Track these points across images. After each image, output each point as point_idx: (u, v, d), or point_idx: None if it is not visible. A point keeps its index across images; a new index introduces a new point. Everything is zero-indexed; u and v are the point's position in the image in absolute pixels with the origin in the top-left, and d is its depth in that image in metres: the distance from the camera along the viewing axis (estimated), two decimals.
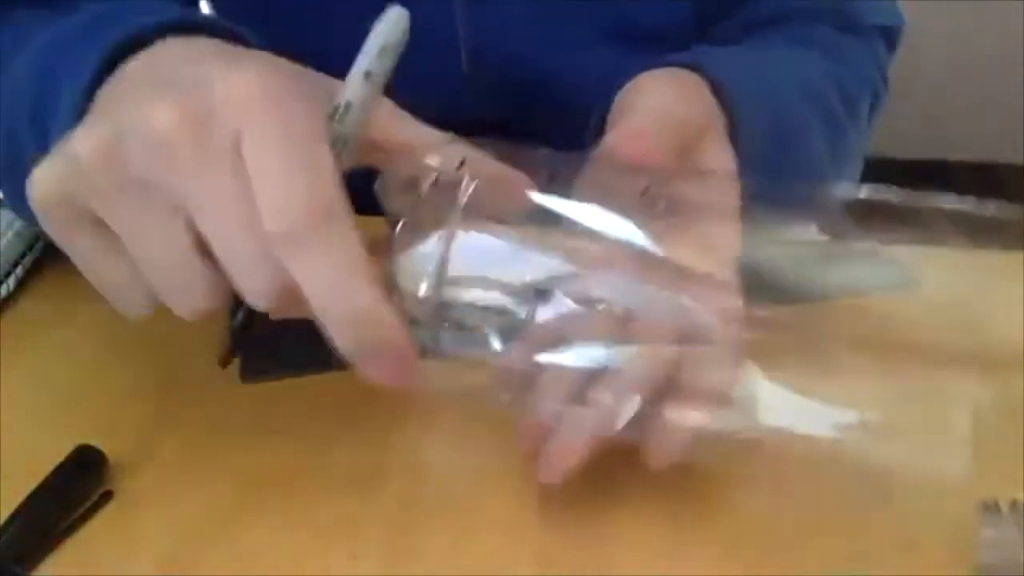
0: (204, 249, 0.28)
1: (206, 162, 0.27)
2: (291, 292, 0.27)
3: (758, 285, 0.34)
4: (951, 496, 0.33)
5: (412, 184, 0.32)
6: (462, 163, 0.32)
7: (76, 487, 0.34)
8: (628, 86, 0.41)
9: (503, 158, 0.33)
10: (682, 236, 0.33)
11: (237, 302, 0.30)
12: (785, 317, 0.32)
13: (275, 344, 0.37)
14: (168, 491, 0.35)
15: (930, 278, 0.39)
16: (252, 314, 0.31)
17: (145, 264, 0.29)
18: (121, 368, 0.42)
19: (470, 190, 0.32)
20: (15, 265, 0.46)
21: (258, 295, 0.28)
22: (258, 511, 0.34)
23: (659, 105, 0.38)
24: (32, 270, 0.47)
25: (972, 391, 0.32)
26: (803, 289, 0.34)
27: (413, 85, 0.55)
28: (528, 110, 0.56)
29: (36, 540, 0.32)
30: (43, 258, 0.47)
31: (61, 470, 0.34)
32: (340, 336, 0.27)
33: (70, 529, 0.33)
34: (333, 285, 0.27)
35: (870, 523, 0.33)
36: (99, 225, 0.29)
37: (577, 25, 0.54)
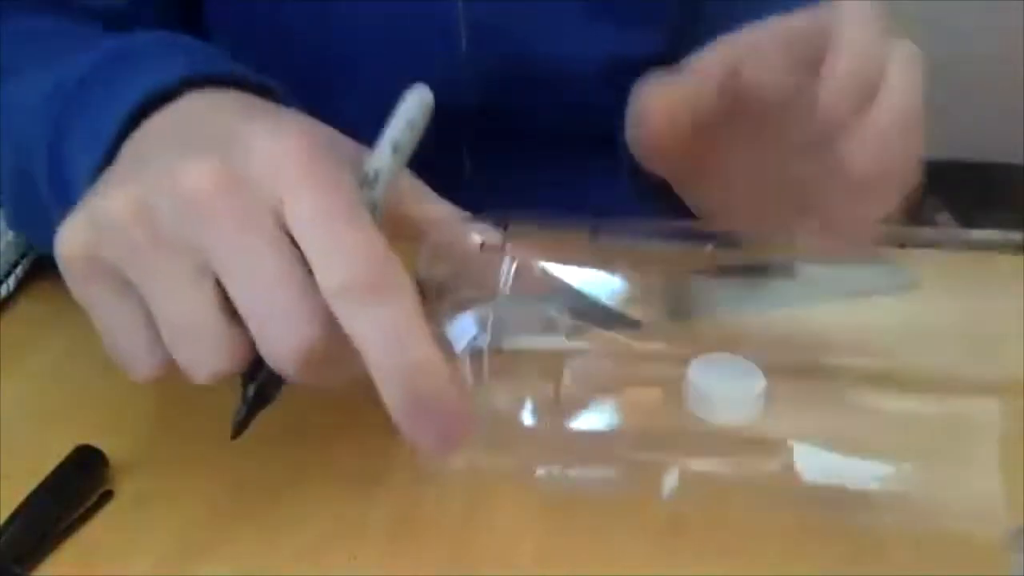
0: (229, 310, 0.28)
1: (244, 225, 0.27)
2: (319, 355, 0.27)
3: (756, 287, 0.34)
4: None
5: (441, 254, 0.33)
6: (503, 245, 0.32)
7: (76, 487, 0.34)
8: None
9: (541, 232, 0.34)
10: None
11: (250, 373, 0.30)
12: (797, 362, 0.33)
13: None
14: (168, 491, 0.35)
15: (930, 280, 0.39)
16: (266, 385, 0.30)
17: (167, 324, 0.29)
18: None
19: (511, 271, 0.32)
20: (15, 265, 0.46)
21: (287, 358, 0.27)
22: (258, 511, 0.34)
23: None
24: (32, 270, 0.47)
25: (994, 416, 0.31)
26: (804, 291, 0.34)
27: (412, 66, 0.55)
28: (526, 92, 0.56)
29: (36, 540, 0.32)
30: (43, 258, 0.47)
31: (61, 470, 0.34)
32: (393, 390, 0.27)
33: (70, 529, 0.33)
34: (392, 337, 0.26)
35: (870, 523, 0.33)
36: (122, 282, 0.29)
37: (578, 3, 0.54)
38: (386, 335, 0.26)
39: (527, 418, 0.32)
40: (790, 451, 0.32)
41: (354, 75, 0.55)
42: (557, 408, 0.33)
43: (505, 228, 0.33)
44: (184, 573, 0.32)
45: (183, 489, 0.35)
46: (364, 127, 0.33)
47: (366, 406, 0.39)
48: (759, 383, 0.32)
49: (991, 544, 0.32)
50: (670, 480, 0.32)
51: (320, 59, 0.55)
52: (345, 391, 0.39)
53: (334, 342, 0.27)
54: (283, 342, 0.27)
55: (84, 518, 0.33)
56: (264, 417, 0.38)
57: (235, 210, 0.27)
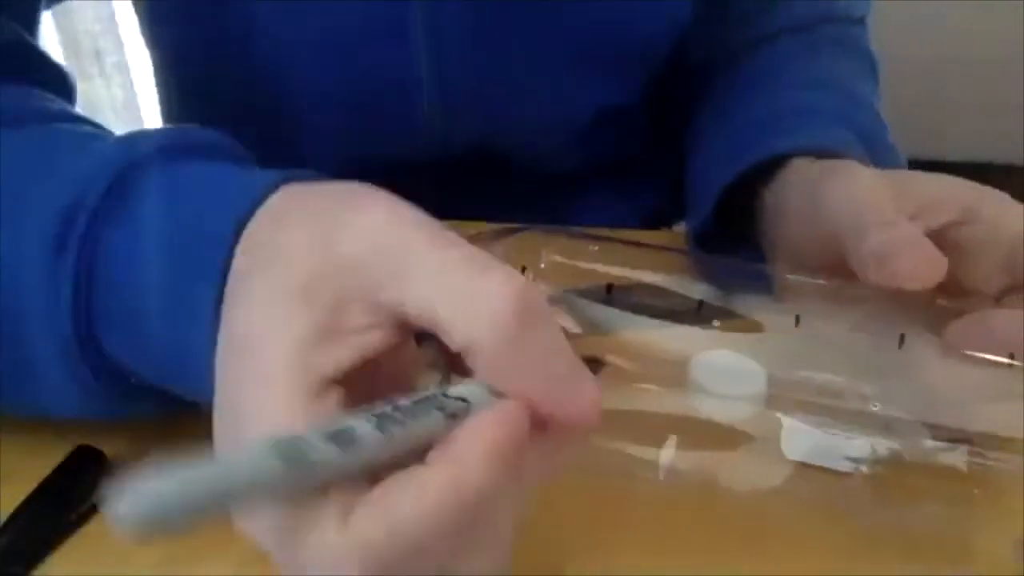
0: None
1: None
2: None
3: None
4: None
5: None
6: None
7: (76, 487, 0.34)
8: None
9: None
10: None
11: None
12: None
13: None
14: None
15: None
16: None
17: None
18: None
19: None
20: None
21: None
22: None
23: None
24: None
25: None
26: None
27: (371, 129, 0.53)
28: (490, 145, 0.55)
29: (36, 540, 0.32)
30: None
31: (61, 470, 0.34)
32: None
33: (70, 529, 0.33)
34: None
35: (871, 523, 0.33)
36: None
37: (546, 54, 0.51)
38: None
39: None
40: (779, 427, 0.32)
41: (313, 127, 0.53)
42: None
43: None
44: (184, 573, 0.32)
45: None
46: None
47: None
48: (760, 381, 0.32)
49: (989, 545, 0.32)
50: (666, 457, 0.33)
51: (278, 109, 0.53)
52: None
53: None
54: None
55: (84, 518, 0.33)
56: None
57: None
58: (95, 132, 0.35)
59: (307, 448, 0.20)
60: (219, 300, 0.26)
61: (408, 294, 0.23)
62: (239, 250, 0.27)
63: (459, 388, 0.23)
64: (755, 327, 0.34)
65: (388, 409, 0.22)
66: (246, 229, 0.27)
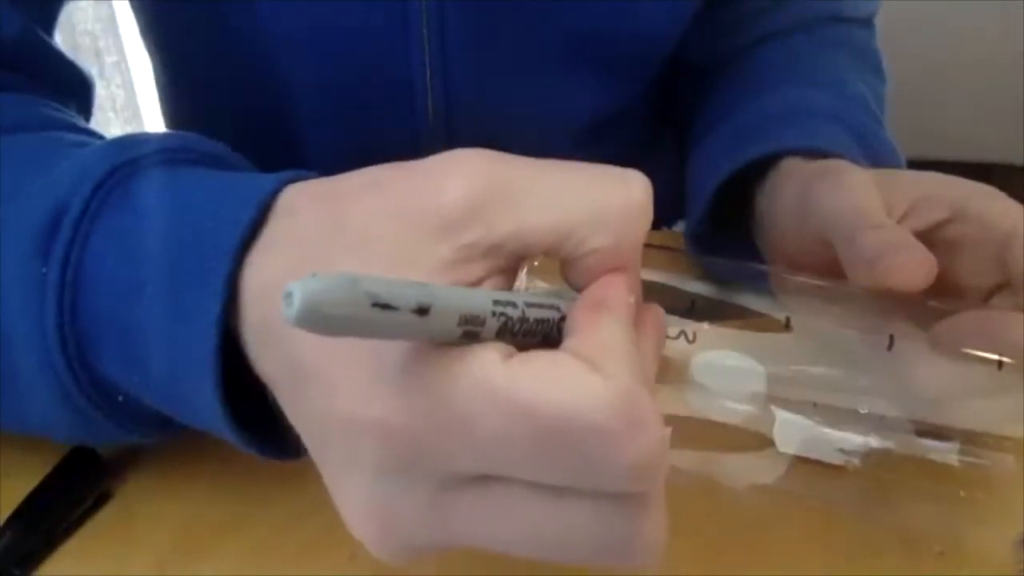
0: None
1: None
2: None
3: None
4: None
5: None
6: None
7: (74, 488, 0.34)
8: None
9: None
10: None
11: None
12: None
13: None
14: (166, 491, 0.35)
15: None
16: None
17: None
18: None
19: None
20: None
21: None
22: (257, 511, 0.34)
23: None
24: None
25: None
26: None
27: (373, 129, 0.53)
28: (492, 147, 0.54)
29: (35, 542, 0.32)
30: None
31: (59, 470, 0.34)
32: None
33: (69, 530, 0.33)
34: None
35: (869, 523, 0.33)
36: None
37: (548, 53, 0.51)
38: None
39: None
40: (774, 415, 0.33)
41: (314, 126, 0.53)
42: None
43: None
44: (183, 573, 0.32)
45: (181, 489, 0.35)
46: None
47: None
48: (760, 380, 0.32)
49: (988, 545, 0.32)
50: None
51: (279, 109, 0.53)
52: None
53: None
54: None
55: (83, 519, 0.33)
56: None
57: None
58: (89, 141, 0.34)
59: (437, 313, 0.19)
60: (222, 308, 0.25)
61: (530, 216, 0.22)
62: (258, 248, 0.25)
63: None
64: (753, 326, 0.34)
65: (515, 317, 0.21)
66: (267, 227, 0.25)
